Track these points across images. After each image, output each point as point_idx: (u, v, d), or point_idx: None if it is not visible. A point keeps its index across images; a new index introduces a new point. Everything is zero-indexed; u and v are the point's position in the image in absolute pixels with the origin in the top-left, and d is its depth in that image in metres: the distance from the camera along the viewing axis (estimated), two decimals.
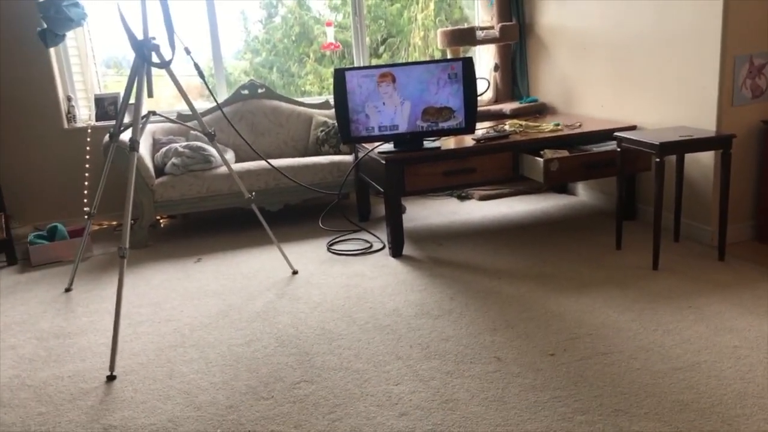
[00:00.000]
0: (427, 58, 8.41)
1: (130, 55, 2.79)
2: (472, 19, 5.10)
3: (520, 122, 3.64)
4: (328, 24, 4.94)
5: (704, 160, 3.02)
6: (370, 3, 8.20)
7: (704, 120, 2.97)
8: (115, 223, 4.12)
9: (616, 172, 3.11)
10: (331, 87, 3.29)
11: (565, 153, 3.24)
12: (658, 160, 2.70)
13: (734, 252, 2.91)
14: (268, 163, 3.45)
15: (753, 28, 2.84)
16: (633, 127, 3.38)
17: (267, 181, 3.77)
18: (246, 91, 4.28)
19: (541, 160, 3.13)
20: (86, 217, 2.96)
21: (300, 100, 4.44)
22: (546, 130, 3.47)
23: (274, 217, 3.87)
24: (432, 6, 8.08)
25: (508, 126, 3.58)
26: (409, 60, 8.42)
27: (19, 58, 3.88)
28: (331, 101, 4.35)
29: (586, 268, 2.87)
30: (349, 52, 7.13)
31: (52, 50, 3.92)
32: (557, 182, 3.23)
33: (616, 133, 3.02)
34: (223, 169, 3.71)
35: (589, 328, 2.28)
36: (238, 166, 3.77)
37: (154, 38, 2.81)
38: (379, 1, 8.23)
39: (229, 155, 3.95)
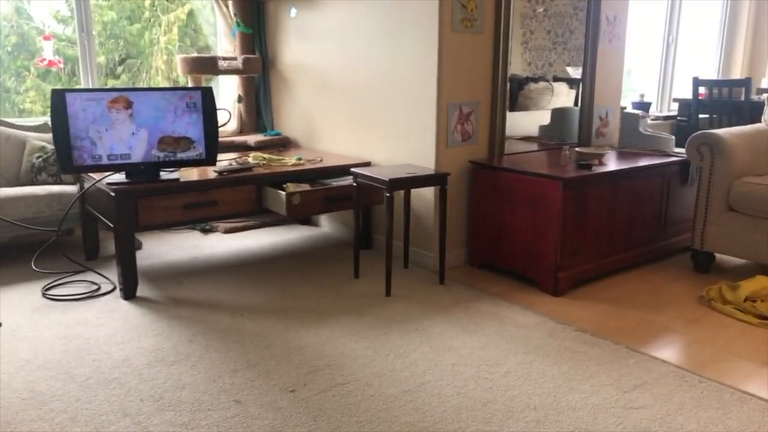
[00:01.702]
0: (171, 83, 8.03)
1: None
2: (216, 48, 5.01)
3: (264, 155, 3.65)
4: (46, 38, 4.38)
5: (426, 195, 3.37)
6: (107, 20, 7.52)
7: (426, 158, 3.32)
8: None
9: (353, 205, 3.29)
10: None
11: (306, 187, 3.32)
12: (388, 194, 2.92)
13: (452, 276, 3.28)
14: None
15: (461, 81, 3.29)
16: (368, 163, 3.63)
17: None
18: None
19: (284, 193, 3.16)
20: None
21: (10, 121, 3.85)
22: (289, 164, 3.53)
23: None
24: (176, 30, 7.76)
25: (251, 158, 3.55)
26: (152, 83, 7.94)
27: None
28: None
29: (326, 298, 2.96)
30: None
31: None
32: (300, 216, 3.30)
33: (352, 169, 3.20)
34: None
35: (328, 359, 2.34)
36: None
37: None
38: (117, 18, 7.64)
39: None
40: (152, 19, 7.89)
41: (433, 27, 3.16)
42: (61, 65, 4.67)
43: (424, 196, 3.38)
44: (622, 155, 3.62)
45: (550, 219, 2.99)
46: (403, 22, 3.33)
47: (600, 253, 3.23)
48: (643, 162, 3.42)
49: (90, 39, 4.19)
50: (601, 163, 3.27)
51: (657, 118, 5.64)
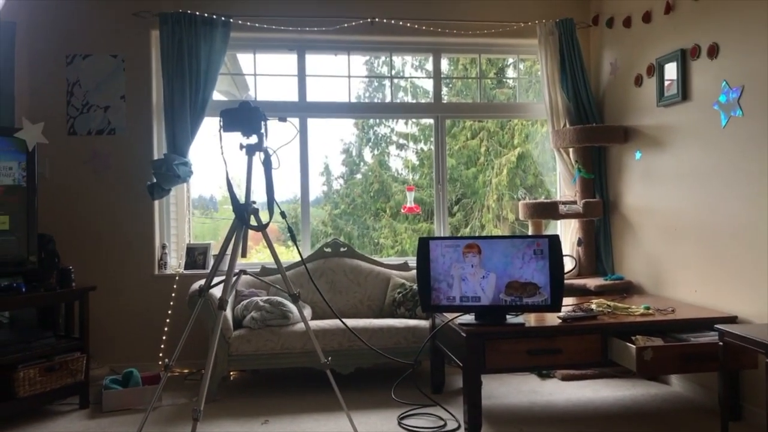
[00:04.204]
0: (501, 221, 8.54)
1: (217, 196, 2.95)
2: (548, 185, 5.20)
3: (608, 302, 3.49)
4: (410, 189, 5.13)
5: None
6: (447, 166, 8.54)
7: None
8: (186, 371, 4.12)
9: (717, 367, 2.88)
10: (404, 242, 3.35)
11: (659, 341, 3.05)
12: None
13: None
14: (345, 325, 3.41)
15: None
16: (733, 318, 3.17)
17: (341, 342, 3.72)
18: (329, 249, 4.40)
19: (634, 347, 2.95)
20: (163, 369, 2.96)
21: (379, 260, 4.50)
22: (636, 313, 3.31)
23: (344, 380, 3.74)
24: (505, 172, 8.38)
25: (594, 305, 3.44)
26: (483, 220, 8.58)
27: (127, 208, 4.19)
28: (410, 263, 4.39)
29: None
30: (425, 210, 7.35)
31: (156, 202, 4.22)
32: (652, 373, 3.02)
33: (717, 326, 2.82)
34: (299, 326, 3.70)
35: None
36: (312, 324, 3.75)
37: (254, 202, 2.98)
38: (456, 164, 8.63)
39: (307, 311, 3.96)
40: (486, 163, 8.70)
41: None
42: (419, 211, 5.39)
43: None
44: None
45: None
46: None
47: None
48: None
49: (444, 188, 4.74)
50: None
51: None
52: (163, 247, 4.30)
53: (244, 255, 2.99)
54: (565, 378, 3.89)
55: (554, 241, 3.21)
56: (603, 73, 4.53)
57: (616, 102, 4.37)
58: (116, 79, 4.23)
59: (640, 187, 4.08)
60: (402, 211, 5.51)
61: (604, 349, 3.14)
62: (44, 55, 4.15)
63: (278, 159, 3.00)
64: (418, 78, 7.61)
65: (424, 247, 3.32)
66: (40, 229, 3.55)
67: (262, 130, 2.98)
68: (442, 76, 4.82)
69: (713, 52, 3.37)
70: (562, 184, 4.65)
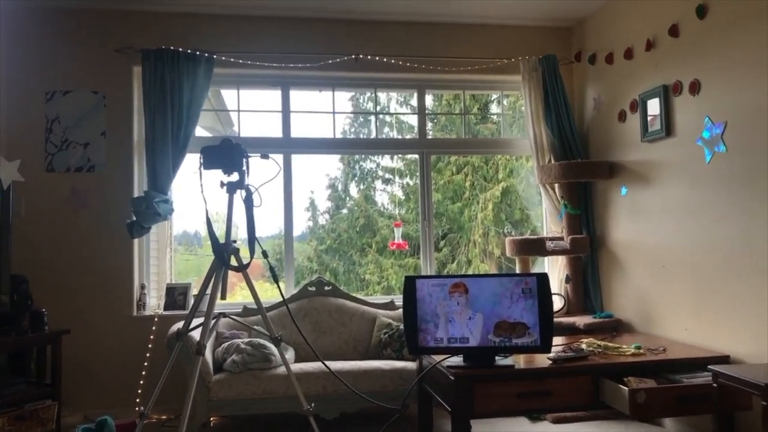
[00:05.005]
0: (486, 256, 8.49)
1: (202, 232, 2.87)
2: (534, 219, 5.17)
3: (599, 342, 3.42)
4: (397, 225, 5.07)
5: None
6: (433, 201, 8.51)
7: None
8: (164, 417, 3.95)
9: (711, 409, 2.80)
10: (390, 277, 3.27)
11: (651, 382, 2.97)
12: (764, 402, 2.40)
13: None
14: (329, 369, 3.31)
15: None
16: (726, 358, 3.11)
17: (325, 386, 3.59)
18: (313, 288, 4.29)
19: (626, 389, 2.86)
20: (139, 417, 2.83)
21: (364, 299, 4.40)
22: (627, 353, 3.24)
23: (328, 425, 3.61)
24: (491, 206, 8.36)
25: (585, 345, 3.37)
26: (470, 255, 8.52)
27: (105, 247, 4.07)
28: (396, 301, 4.30)
29: None
30: (411, 245, 7.28)
31: (135, 240, 4.10)
32: (645, 416, 2.93)
33: (711, 367, 2.76)
34: (282, 369, 3.57)
35: None
36: (296, 367, 3.63)
37: (235, 242, 2.90)
38: (442, 199, 8.61)
39: (290, 354, 3.84)
40: (471, 198, 8.69)
41: None
42: (406, 247, 5.32)
43: None
44: None
45: None
46: (761, 198, 2.94)
47: None
48: None
49: (430, 224, 4.69)
50: None
51: None
52: (142, 287, 4.18)
53: (223, 297, 2.90)
54: (556, 420, 3.78)
55: (543, 280, 3.15)
56: (587, 109, 4.55)
57: (601, 137, 4.38)
58: (97, 115, 4.16)
59: (627, 222, 4.06)
60: (390, 247, 5.45)
61: (596, 391, 3.05)
62: (23, 91, 4.08)
63: (260, 197, 2.94)
64: (404, 114, 7.64)
65: (410, 286, 3.23)
66: (13, 269, 3.43)
67: (244, 168, 2.92)
68: (426, 112, 4.81)
69: (695, 88, 3.39)
70: (548, 219, 4.62)
